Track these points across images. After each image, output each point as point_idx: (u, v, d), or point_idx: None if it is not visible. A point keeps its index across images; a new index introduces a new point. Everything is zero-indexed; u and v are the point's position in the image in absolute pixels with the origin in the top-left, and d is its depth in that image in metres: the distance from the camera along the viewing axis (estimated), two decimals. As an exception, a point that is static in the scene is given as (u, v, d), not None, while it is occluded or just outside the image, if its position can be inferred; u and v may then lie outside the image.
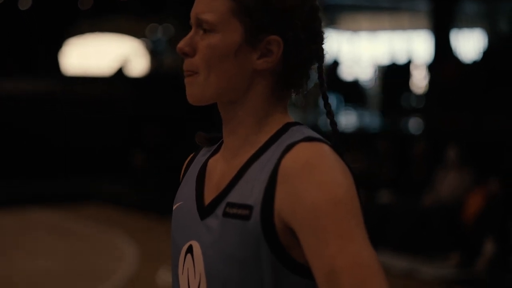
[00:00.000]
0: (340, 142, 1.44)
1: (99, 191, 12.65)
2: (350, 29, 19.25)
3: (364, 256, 1.27)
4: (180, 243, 1.47)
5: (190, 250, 1.44)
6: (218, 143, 1.53)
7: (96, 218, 11.32)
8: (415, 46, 16.61)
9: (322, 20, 1.47)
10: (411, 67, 13.81)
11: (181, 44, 1.43)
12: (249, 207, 1.36)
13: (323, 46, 1.46)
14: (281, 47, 1.41)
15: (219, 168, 1.47)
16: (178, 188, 1.56)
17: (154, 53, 16.30)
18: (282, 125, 1.43)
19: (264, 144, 1.42)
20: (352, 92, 14.53)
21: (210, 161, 1.51)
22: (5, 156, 13.06)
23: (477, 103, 9.96)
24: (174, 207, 1.53)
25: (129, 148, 13.31)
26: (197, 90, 1.43)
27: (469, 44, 15.77)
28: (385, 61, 15.02)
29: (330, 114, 1.47)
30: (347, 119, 14.02)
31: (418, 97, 13.73)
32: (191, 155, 1.60)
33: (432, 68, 12.23)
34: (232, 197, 1.39)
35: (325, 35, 1.46)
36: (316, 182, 1.31)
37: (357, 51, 18.05)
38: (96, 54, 16.37)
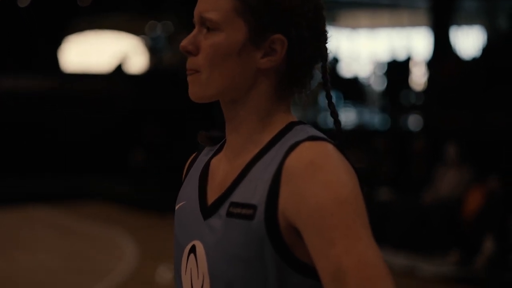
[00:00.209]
0: (344, 141, 1.43)
1: (99, 189, 12.65)
2: (350, 26, 19.27)
3: (370, 256, 1.27)
4: (183, 243, 1.46)
5: (193, 250, 1.43)
6: (221, 143, 1.52)
7: (96, 216, 11.32)
8: (414, 43, 16.62)
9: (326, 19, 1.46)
10: (411, 64, 13.80)
11: (185, 43, 1.43)
12: (253, 207, 1.35)
13: (327, 45, 1.45)
14: (285, 46, 1.40)
15: (222, 167, 1.46)
16: (180, 187, 1.55)
17: (153, 50, 16.29)
18: (286, 124, 1.42)
19: (268, 144, 1.41)
20: (351, 89, 14.52)
21: (213, 160, 1.50)
22: (5, 154, 13.05)
23: (476, 100, 9.95)
24: (176, 207, 1.52)
25: (129, 146, 13.30)
26: (199, 89, 1.43)
27: (469, 41, 15.79)
28: (384, 58, 15.01)
29: (334, 114, 1.46)
30: (347, 116, 14.02)
31: (418, 94, 13.73)
32: (193, 154, 1.59)
33: (432, 65, 12.23)
34: (236, 197, 1.39)
35: (328, 34, 1.45)
36: (321, 182, 1.30)
37: (357, 48, 18.06)
38: (95, 51, 16.37)
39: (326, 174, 1.31)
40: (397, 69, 13.53)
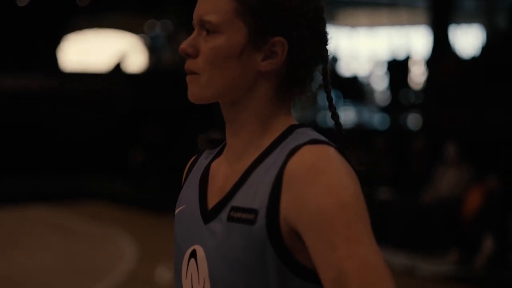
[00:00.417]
0: (345, 144, 1.43)
1: (99, 189, 12.64)
2: (349, 25, 19.26)
3: (372, 259, 1.27)
4: (183, 247, 1.46)
5: (193, 254, 1.42)
6: (221, 146, 1.51)
7: (95, 216, 11.31)
8: (413, 42, 16.61)
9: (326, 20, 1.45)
10: (410, 63, 13.80)
11: (184, 45, 1.42)
12: (254, 211, 1.35)
13: (327, 46, 1.44)
14: (286, 48, 1.39)
15: (222, 171, 1.45)
16: (180, 191, 1.54)
17: (152, 49, 16.27)
18: (287, 127, 1.41)
19: (268, 147, 1.40)
20: (351, 88, 14.51)
21: (213, 164, 1.49)
22: (5, 154, 13.04)
23: (476, 99, 9.94)
24: (176, 211, 1.51)
25: (129, 146, 13.29)
26: (198, 90, 1.42)
27: (468, 39, 15.78)
28: (383, 57, 15.01)
29: (335, 116, 1.45)
30: (346, 115, 14.01)
31: (417, 93, 13.72)
32: (193, 157, 1.58)
33: (431, 64, 12.22)
34: (237, 201, 1.38)
35: (329, 36, 1.45)
36: (322, 185, 1.30)
37: (356, 46, 18.05)
38: (94, 50, 16.35)
39: (327, 177, 1.30)
40: (396, 68, 13.53)
